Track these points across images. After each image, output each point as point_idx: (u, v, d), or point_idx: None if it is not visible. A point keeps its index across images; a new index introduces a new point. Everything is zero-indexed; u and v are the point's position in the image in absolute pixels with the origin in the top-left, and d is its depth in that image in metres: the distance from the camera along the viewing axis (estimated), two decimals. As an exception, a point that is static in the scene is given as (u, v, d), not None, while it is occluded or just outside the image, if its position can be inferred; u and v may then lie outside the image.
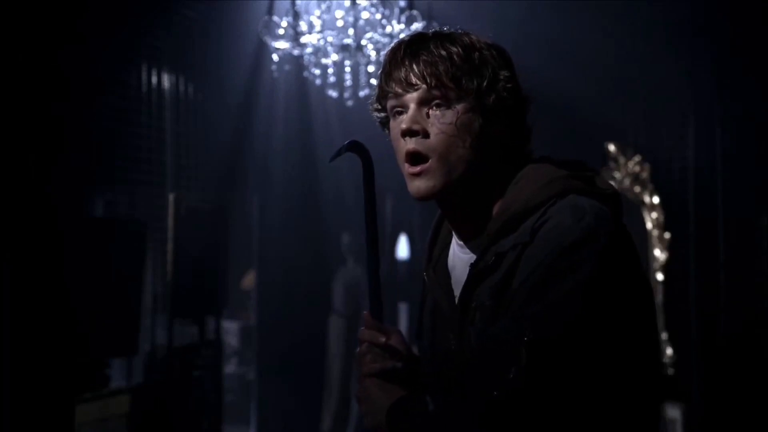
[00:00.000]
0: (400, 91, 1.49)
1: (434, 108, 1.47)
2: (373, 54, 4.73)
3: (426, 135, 1.47)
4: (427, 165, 1.47)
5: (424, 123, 1.47)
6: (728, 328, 5.14)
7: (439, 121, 1.46)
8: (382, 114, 1.56)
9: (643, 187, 5.53)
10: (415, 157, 1.48)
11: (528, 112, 1.53)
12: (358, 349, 1.58)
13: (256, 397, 7.05)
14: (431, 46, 1.48)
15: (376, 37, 4.69)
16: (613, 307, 1.38)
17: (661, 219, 5.49)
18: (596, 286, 1.36)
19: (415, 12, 4.70)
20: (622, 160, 5.59)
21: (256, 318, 7.31)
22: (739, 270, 5.14)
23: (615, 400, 1.40)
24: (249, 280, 7.67)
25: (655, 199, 5.51)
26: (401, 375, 1.54)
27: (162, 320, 5.19)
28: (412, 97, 1.48)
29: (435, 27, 4.81)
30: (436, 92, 1.46)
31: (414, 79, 1.47)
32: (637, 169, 5.56)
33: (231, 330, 7.86)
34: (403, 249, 7.43)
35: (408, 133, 1.48)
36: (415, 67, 1.47)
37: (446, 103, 1.46)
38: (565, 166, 1.51)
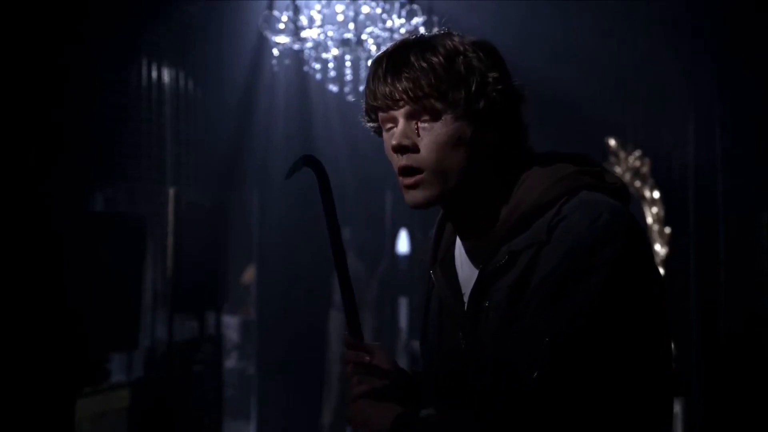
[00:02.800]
0: (385, 107, 1.47)
1: (423, 121, 1.44)
2: (373, 48, 4.72)
3: (416, 149, 1.45)
4: (421, 176, 1.45)
5: (413, 137, 1.45)
6: (728, 323, 5.14)
7: (429, 134, 1.44)
8: (374, 124, 1.54)
9: (644, 182, 5.53)
10: (408, 171, 1.46)
11: (523, 104, 1.48)
12: (344, 372, 1.58)
13: (257, 391, 7.06)
14: (412, 59, 1.43)
15: (377, 31, 4.68)
16: (632, 305, 1.38)
17: (662, 214, 5.48)
18: (616, 285, 1.35)
19: (415, 6, 4.69)
20: (622, 154, 5.59)
21: (256, 313, 7.32)
22: (739, 266, 5.14)
23: (630, 397, 1.39)
24: (249, 275, 7.68)
25: (656, 194, 5.50)
26: (392, 392, 1.53)
27: (162, 315, 5.19)
28: (399, 113, 1.46)
29: (435, 22, 4.79)
30: (421, 106, 1.43)
31: (398, 96, 1.44)
32: (637, 164, 5.55)
33: (231, 325, 7.86)
34: (403, 244, 7.43)
35: (398, 149, 1.46)
36: (397, 84, 1.43)
37: (434, 115, 1.43)
38: (572, 160, 1.49)
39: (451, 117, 1.43)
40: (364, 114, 1.54)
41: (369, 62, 4.72)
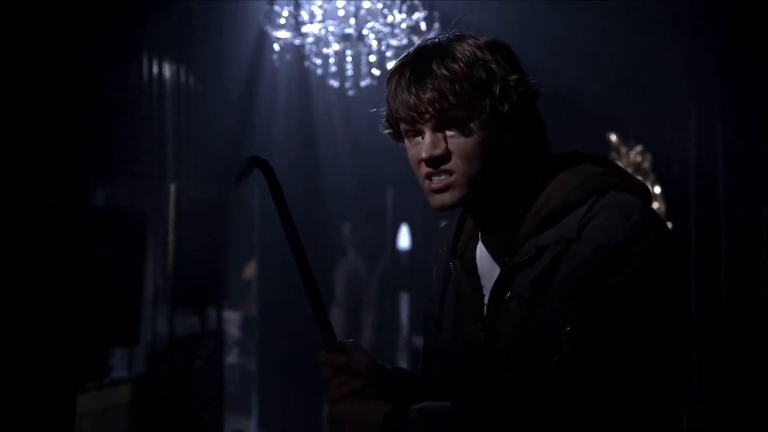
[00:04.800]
0: (410, 119, 1.47)
1: (450, 129, 1.45)
2: (374, 44, 4.72)
3: (446, 159, 1.46)
4: (451, 180, 1.46)
5: (442, 148, 1.46)
6: (729, 318, 5.14)
7: (457, 142, 1.45)
8: (393, 131, 1.55)
9: (645, 177, 5.53)
10: (437, 176, 1.47)
11: (540, 99, 1.50)
12: (321, 375, 1.54)
13: (257, 387, 7.07)
14: (434, 67, 1.44)
15: (378, 26, 4.68)
16: (656, 303, 1.40)
17: (663, 209, 5.49)
18: (642, 283, 1.38)
19: (416, 2, 4.68)
20: (623, 150, 5.59)
21: (257, 308, 7.32)
22: (740, 262, 5.14)
23: (645, 392, 1.41)
24: (250, 270, 7.68)
25: (657, 190, 5.50)
26: (375, 388, 1.51)
27: (163, 311, 5.19)
28: (425, 126, 1.46)
29: (436, 17, 4.75)
30: (448, 116, 1.44)
31: (424, 108, 1.45)
32: (638, 159, 5.55)
33: (232, 320, 7.87)
34: (404, 240, 7.43)
35: (429, 161, 1.46)
36: (422, 94, 1.44)
37: (461, 123, 1.45)
38: (595, 161, 1.52)
39: (477, 124, 1.45)
40: (384, 122, 1.55)
41: (370, 57, 4.72)
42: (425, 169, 1.47)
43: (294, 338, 6.86)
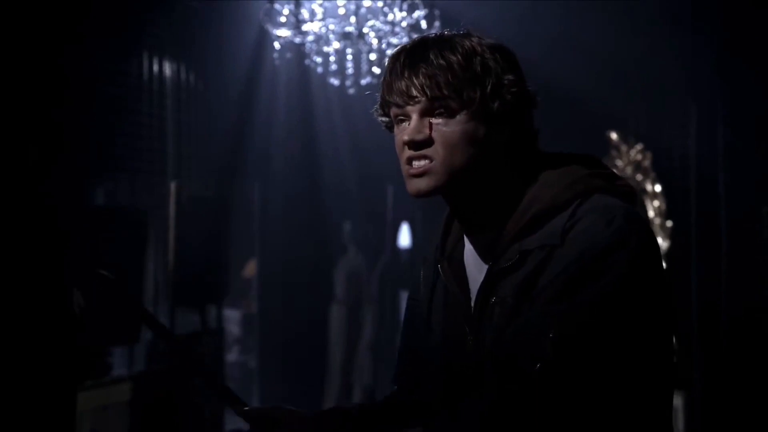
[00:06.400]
0: (401, 102, 1.47)
1: (437, 117, 1.45)
2: (374, 42, 4.72)
3: (428, 144, 1.46)
4: (429, 166, 1.46)
5: (425, 134, 1.46)
6: (729, 316, 5.14)
7: (442, 130, 1.45)
8: (387, 119, 1.55)
9: (645, 176, 5.53)
10: (416, 160, 1.47)
11: (536, 107, 1.50)
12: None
13: (258, 385, 7.07)
14: (430, 56, 1.44)
15: (378, 24, 4.68)
16: (639, 308, 1.39)
17: (663, 207, 5.48)
18: (626, 288, 1.37)
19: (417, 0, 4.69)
20: (624, 148, 5.59)
21: (257, 306, 7.33)
22: (741, 259, 5.14)
23: (631, 395, 1.41)
24: (251, 268, 7.68)
25: (657, 188, 5.50)
26: None
27: (164, 308, 5.20)
28: (413, 109, 1.46)
29: (436, 15, 4.75)
30: (437, 104, 1.44)
31: (414, 92, 1.45)
32: (639, 157, 5.55)
33: (232, 318, 7.87)
34: (404, 238, 7.43)
35: (411, 145, 1.46)
36: (414, 79, 1.44)
37: (449, 113, 1.45)
38: (582, 162, 1.51)
39: (465, 116, 1.44)
40: (378, 107, 1.55)
41: (370, 55, 4.72)
42: (407, 153, 1.47)
43: (294, 336, 6.87)
